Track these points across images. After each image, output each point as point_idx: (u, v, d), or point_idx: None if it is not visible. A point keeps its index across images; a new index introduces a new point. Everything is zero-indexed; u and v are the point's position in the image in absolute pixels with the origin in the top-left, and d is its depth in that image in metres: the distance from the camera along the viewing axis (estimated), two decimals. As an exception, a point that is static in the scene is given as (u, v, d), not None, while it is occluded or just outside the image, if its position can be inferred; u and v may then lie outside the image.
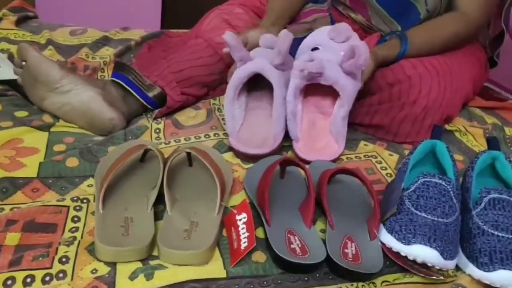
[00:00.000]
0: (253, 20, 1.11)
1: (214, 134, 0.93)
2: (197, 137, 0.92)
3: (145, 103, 0.97)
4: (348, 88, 0.85)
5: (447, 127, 1.03)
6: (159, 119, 0.97)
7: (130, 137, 0.89)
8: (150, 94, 0.97)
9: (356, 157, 0.91)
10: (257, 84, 0.91)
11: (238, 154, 0.87)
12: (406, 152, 0.94)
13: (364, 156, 0.92)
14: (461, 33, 1.05)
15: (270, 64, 0.86)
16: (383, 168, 0.89)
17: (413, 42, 1.00)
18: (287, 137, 0.89)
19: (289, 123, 0.87)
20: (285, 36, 0.85)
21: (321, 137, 0.89)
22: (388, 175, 0.87)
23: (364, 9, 1.13)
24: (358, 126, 1.00)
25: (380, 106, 0.97)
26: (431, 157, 0.82)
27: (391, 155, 0.93)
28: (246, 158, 0.86)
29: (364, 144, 0.96)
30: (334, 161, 0.87)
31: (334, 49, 0.91)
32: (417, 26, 1.04)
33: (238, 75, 0.86)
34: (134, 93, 0.95)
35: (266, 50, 0.93)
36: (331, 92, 0.88)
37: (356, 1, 1.13)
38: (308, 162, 0.86)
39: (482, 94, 1.20)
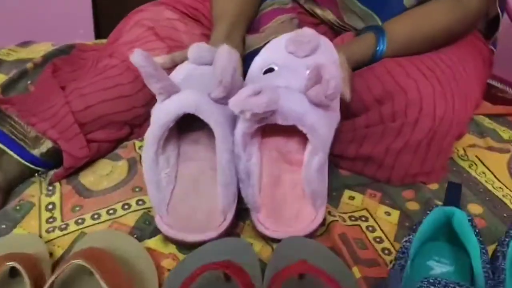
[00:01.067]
0: (191, 29, 0.82)
1: (138, 202, 0.65)
2: (111, 211, 0.63)
3: (30, 164, 0.67)
4: (320, 126, 0.57)
5: (456, 158, 0.78)
6: (54, 185, 0.67)
7: (3, 226, 0.60)
8: (36, 152, 0.67)
9: (338, 217, 0.64)
10: (191, 120, 0.63)
11: (171, 239, 0.59)
12: (409, 206, 0.68)
13: (350, 218, 0.65)
14: (456, 25, 0.79)
15: (208, 97, 0.58)
16: (378, 239, 0.62)
17: (393, 37, 0.74)
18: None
19: (242, 186, 0.60)
20: (227, 55, 0.56)
21: (291, 200, 0.62)
22: (386, 251, 0.60)
23: (332, 3, 0.85)
24: (339, 159, 0.74)
25: (369, 130, 0.71)
26: (446, 227, 0.56)
27: (389, 214, 0.66)
28: (184, 244, 0.59)
29: (350, 197, 0.69)
30: (311, 235, 0.60)
31: (295, 68, 0.62)
32: (397, 17, 0.78)
33: (159, 120, 0.57)
34: (11, 152, 0.66)
35: (199, 69, 0.65)
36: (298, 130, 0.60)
37: None
38: (277, 240, 0.59)
39: (485, 94, 0.94)
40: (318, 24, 0.90)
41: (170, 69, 0.70)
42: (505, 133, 0.85)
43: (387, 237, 0.62)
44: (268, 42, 0.80)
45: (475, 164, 0.77)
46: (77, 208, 0.64)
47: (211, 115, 0.57)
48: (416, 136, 0.68)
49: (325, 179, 0.61)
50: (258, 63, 0.66)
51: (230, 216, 0.59)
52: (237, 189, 0.60)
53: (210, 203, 0.60)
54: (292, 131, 0.59)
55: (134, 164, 0.71)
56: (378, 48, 0.74)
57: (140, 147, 0.76)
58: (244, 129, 0.56)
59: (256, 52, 0.79)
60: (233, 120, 0.59)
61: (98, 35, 1.57)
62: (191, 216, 0.59)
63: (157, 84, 0.57)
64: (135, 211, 0.63)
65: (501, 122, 0.89)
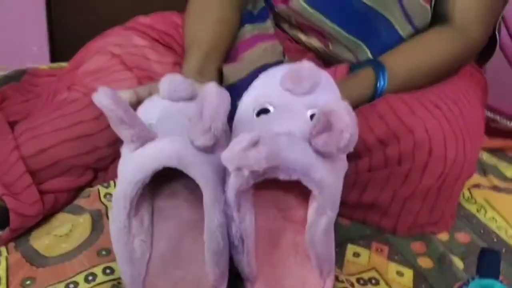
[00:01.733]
0: (163, 58, 0.71)
1: (105, 271, 0.53)
2: (72, 285, 0.51)
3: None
4: (329, 181, 0.47)
5: (463, 201, 0.70)
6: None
7: None
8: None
9: (345, 281, 0.55)
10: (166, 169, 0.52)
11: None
12: (421, 262, 0.60)
13: (358, 281, 0.56)
14: (458, 56, 0.73)
15: (192, 145, 0.46)
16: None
17: (394, 72, 0.67)
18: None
19: (235, 252, 0.49)
20: (217, 95, 0.46)
21: (293, 266, 0.51)
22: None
23: (317, 31, 0.77)
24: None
25: (373, 174, 0.63)
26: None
27: (401, 274, 0.58)
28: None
29: (354, 253, 0.60)
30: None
31: (294, 109, 0.52)
32: (395, 50, 0.71)
33: (132, 176, 0.45)
34: None
35: (175, 107, 0.54)
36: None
37: (304, 20, 0.76)
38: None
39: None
40: (304, 51, 0.82)
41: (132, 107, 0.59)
42: (507, 171, 0.79)
43: (402, 305, 0.53)
44: (250, 73, 0.71)
45: (484, 208, 0.70)
46: (28, 282, 0.51)
47: (197, 169, 0.46)
48: (425, 182, 0.60)
49: (332, 241, 0.51)
50: (249, 102, 0.56)
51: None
52: (229, 254, 0.50)
53: (196, 273, 0.49)
54: (292, 182, 0.50)
55: (99, 219, 0.60)
56: (378, 84, 0.66)
57: (106, 195, 0.64)
58: (238, 187, 0.46)
59: (236, 85, 0.70)
60: (222, 171, 0.49)
61: (54, 54, 1.43)
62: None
63: (128, 131, 0.46)
64: (101, 283, 0.51)
65: (499, 157, 0.84)
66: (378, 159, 0.62)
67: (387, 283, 0.56)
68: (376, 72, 0.67)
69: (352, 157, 0.64)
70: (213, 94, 0.45)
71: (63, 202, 0.62)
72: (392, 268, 0.58)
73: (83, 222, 0.59)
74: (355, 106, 0.65)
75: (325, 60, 0.80)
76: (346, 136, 0.43)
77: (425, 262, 0.60)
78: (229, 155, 0.42)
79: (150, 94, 0.59)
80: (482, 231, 0.66)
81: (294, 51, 0.81)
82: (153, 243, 0.50)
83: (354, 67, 0.72)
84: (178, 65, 0.72)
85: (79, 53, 0.73)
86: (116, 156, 0.59)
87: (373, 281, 0.56)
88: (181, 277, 0.49)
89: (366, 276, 0.57)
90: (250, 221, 0.49)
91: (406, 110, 0.63)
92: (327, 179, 0.47)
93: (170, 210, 0.52)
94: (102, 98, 0.44)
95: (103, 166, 0.66)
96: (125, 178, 0.46)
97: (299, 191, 0.52)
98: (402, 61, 0.68)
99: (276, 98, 0.54)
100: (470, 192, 0.72)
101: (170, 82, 0.55)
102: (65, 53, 0.87)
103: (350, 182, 0.64)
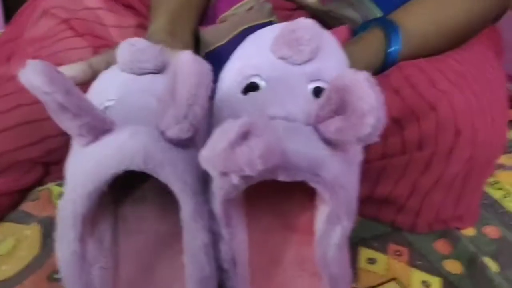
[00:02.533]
0: (123, 20, 0.57)
1: (58, 300, 0.41)
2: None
3: None
4: (345, 180, 0.35)
5: (487, 187, 0.60)
6: None
7: None
8: None
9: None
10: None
11: None
12: (449, 267, 0.50)
13: (377, 294, 0.46)
14: (481, 15, 0.60)
15: (162, 137, 0.34)
16: (427, 331, 0.43)
17: (408, 34, 0.54)
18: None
19: (225, 278, 0.38)
20: (195, 68, 0.32)
21: (299, 286, 0.41)
22: None
23: None
24: None
25: (387, 162, 0.52)
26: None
27: (427, 285, 0.48)
28: None
29: (368, 259, 0.50)
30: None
31: (291, 83, 0.39)
32: (407, 6, 0.58)
33: (83, 185, 0.32)
34: None
35: (138, 83, 0.41)
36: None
37: None
38: None
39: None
40: (294, 9, 0.68)
41: (86, 84, 0.46)
42: (529, 146, 0.70)
43: (435, 327, 0.43)
44: (234, 37, 0.58)
45: (511, 194, 0.60)
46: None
47: (170, 172, 0.34)
48: (451, 170, 0.49)
49: (345, 256, 0.40)
50: (232, 76, 0.42)
51: None
52: (218, 280, 0.38)
53: None
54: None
55: (51, 229, 0.47)
56: (391, 48, 0.54)
57: (60, 195, 0.52)
58: (226, 196, 0.34)
59: (216, 53, 0.58)
60: (204, 172, 0.36)
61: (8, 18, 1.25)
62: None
63: (73, 121, 0.32)
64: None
65: (517, 130, 0.74)
66: (394, 143, 0.51)
67: (411, 297, 0.46)
68: (387, 33, 0.54)
69: (362, 141, 0.53)
70: (190, 67, 0.32)
71: (6, 208, 0.49)
72: (416, 277, 0.48)
73: (30, 235, 0.46)
74: None
75: (320, 20, 0.67)
76: (370, 121, 0.31)
77: (453, 267, 0.50)
78: (210, 155, 0.29)
79: (108, 65, 0.46)
80: (512, 223, 0.56)
81: (281, 8, 0.67)
82: (117, 266, 0.38)
83: (358, 29, 0.60)
84: (141, 28, 0.58)
85: (18, 15, 0.58)
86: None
87: (394, 294, 0.46)
88: None
89: (385, 286, 0.46)
90: (242, 236, 0.38)
91: (426, 82, 0.51)
92: (342, 178, 0.35)
93: (138, 221, 0.40)
94: (31, 75, 0.31)
95: (55, 159, 0.54)
96: (73, 187, 0.34)
97: (301, 189, 0.40)
98: (417, 21, 0.55)
99: (268, 69, 0.41)
100: (492, 175, 0.62)
101: (131, 49, 0.41)
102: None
103: (360, 172, 0.53)
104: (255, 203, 0.40)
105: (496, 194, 0.60)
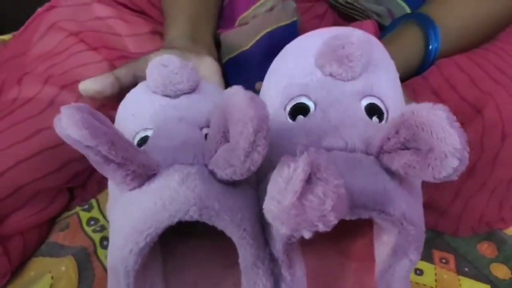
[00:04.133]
0: (137, 28, 0.54)
1: None
2: None
3: None
4: (412, 216, 0.32)
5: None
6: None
7: None
8: None
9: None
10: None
11: None
12: (497, 272, 0.49)
13: (430, 309, 0.45)
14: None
15: (212, 177, 0.31)
16: None
17: (445, 30, 0.51)
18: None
19: None
20: (254, 106, 0.28)
21: None
22: None
23: None
24: None
25: None
26: None
27: (479, 294, 0.47)
28: None
29: (415, 270, 0.48)
30: None
31: (344, 103, 0.36)
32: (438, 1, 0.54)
33: (130, 243, 0.30)
34: None
35: (174, 107, 0.38)
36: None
37: None
38: None
39: None
40: (316, 0, 0.65)
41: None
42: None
43: None
44: (258, 41, 0.55)
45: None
46: None
47: (228, 217, 0.31)
48: (496, 174, 0.48)
49: (410, 284, 0.38)
50: (275, 95, 0.39)
51: None
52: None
53: None
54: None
55: (85, 262, 0.45)
56: (431, 46, 0.51)
57: (89, 222, 0.50)
58: (288, 241, 0.32)
59: (241, 59, 0.54)
60: (257, 206, 0.34)
61: None
62: None
63: (118, 172, 0.30)
64: None
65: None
66: None
67: (464, 310, 0.45)
68: (424, 29, 0.51)
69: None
70: (246, 108, 0.29)
71: (35, 242, 0.47)
72: (466, 286, 0.47)
73: (66, 270, 0.44)
74: (402, 78, 0.50)
75: (342, 15, 0.64)
76: (453, 164, 0.29)
77: (501, 272, 0.49)
78: (277, 212, 0.26)
79: (135, 78, 0.43)
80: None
81: (302, 0, 0.64)
82: None
83: (390, 26, 0.56)
84: (156, 34, 0.55)
85: (24, 28, 0.54)
86: (94, 171, 0.44)
87: (448, 308, 0.45)
88: None
89: (436, 301, 0.45)
90: (301, 272, 0.36)
91: (467, 81, 0.48)
92: (411, 213, 0.33)
93: (187, 256, 0.38)
94: (70, 128, 0.27)
95: (80, 183, 0.51)
96: (121, 243, 0.31)
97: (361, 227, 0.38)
98: (455, 15, 0.52)
99: (316, 88, 0.38)
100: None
101: (164, 70, 0.38)
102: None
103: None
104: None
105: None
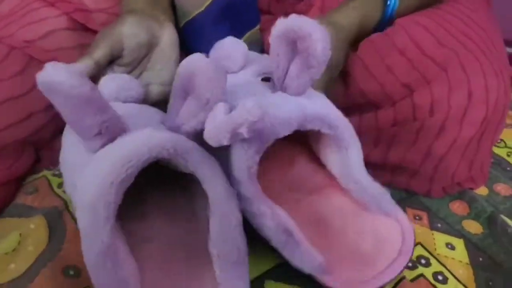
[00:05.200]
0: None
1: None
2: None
3: None
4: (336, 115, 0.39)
5: (494, 148, 0.60)
6: None
7: None
8: None
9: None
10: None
11: None
12: (469, 228, 0.49)
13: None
14: None
15: (183, 131, 0.35)
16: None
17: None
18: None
19: (287, 250, 0.36)
20: (209, 68, 0.33)
21: (353, 228, 0.39)
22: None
23: None
24: None
25: (399, 129, 0.50)
26: None
27: (452, 247, 0.47)
28: None
29: (390, 226, 0.49)
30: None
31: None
32: None
33: (111, 175, 0.30)
34: None
35: (132, 107, 0.41)
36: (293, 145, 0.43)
37: None
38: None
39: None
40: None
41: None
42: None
43: (461, 283, 0.43)
44: (212, 3, 0.55)
45: (516, 150, 0.60)
46: (-31, 331, 0.36)
47: (200, 156, 0.34)
48: (465, 134, 0.48)
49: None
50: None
51: None
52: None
53: None
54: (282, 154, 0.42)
55: (57, 220, 0.44)
56: (388, 2, 0.51)
57: (60, 185, 0.48)
58: (251, 159, 0.34)
59: (197, 21, 0.54)
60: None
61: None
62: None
63: (96, 117, 0.31)
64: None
65: None
66: (404, 108, 0.49)
67: (439, 261, 0.45)
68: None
69: (371, 108, 0.52)
70: (210, 73, 0.33)
71: (2, 202, 0.45)
72: (439, 240, 0.48)
73: (36, 228, 0.42)
74: (362, 35, 0.51)
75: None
76: (320, 46, 0.34)
77: (473, 227, 0.49)
78: (215, 125, 0.32)
79: (111, 57, 0.43)
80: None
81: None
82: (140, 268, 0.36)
83: None
84: None
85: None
86: (59, 127, 0.44)
87: (423, 260, 0.45)
88: None
89: (413, 255, 0.46)
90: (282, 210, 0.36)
91: (432, 40, 0.49)
92: (334, 116, 0.39)
93: (145, 231, 0.38)
94: (54, 74, 0.29)
95: (45, 140, 0.50)
96: (99, 181, 0.31)
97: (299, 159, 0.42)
98: None
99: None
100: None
101: (112, 82, 0.42)
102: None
103: (371, 139, 0.52)
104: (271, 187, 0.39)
105: (501, 152, 0.60)
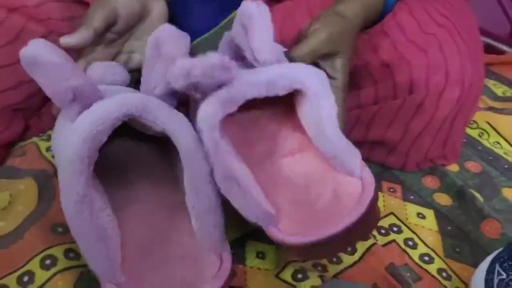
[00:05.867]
0: None
1: (67, 254, 0.40)
2: (26, 278, 0.38)
3: None
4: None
5: (469, 131, 0.63)
6: None
7: None
8: None
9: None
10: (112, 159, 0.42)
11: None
12: (439, 200, 0.52)
13: (378, 230, 0.47)
14: None
15: (156, 94, 0.38)
16: (426, 258, 0.46)
17: None
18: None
19: (242, 201, 0.36)
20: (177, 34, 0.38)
21: (316, 186, 0.39)
22: (443, 274, 0.44)
23: None
24: None
25: (379, 107, 0.53)
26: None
27: (422, 216, 0.50)
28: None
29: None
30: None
31: None
32: None
33: (83, 133, 0.32)
34: None
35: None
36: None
37: None
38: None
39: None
40: None
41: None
42: (497, 89, 0.73)
43: (435, 253, 0.46)
44: None
45: (487, 132, 0.63)
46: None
47: (168, 112, 0.36)
48: (441, 112, 0.51)
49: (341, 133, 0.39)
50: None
51: (227, 256, 0.38)
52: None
53: (189, 245, 0.37)
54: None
55: (46, 182, 0.45)
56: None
57: (48, 149, 0.50)
58: (215, 112, 0.35)
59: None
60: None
61: None
62: (166, 275, 0.36)
63: (69, 81, 0.33)
64: (65, 269, 0.38)
65: (486, 74, 0.77)
66: (386, 88, 0.52)
67: (410, 229, 0.48)
68: None
69: (354, 87, 0.54)
70: (173, 37, 0.37)
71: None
72: (411, 210, 0.50)
73: (25, 189, 0.44)
74: (365, 27, 0.51)
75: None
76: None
77: (443, 199, 0.52)
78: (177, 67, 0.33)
79: (107, 25, 0.45)
80: (490, 157, 0.60)
81: None
82: (121, 226, 0.37)
83: None
84: None
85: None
86: (47, 97, 0.45)
87: (395, 228, 0.48)
88: (171, 254, 0.37)
89: (385, 223, 0.48)
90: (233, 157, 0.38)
91: (415, 25, 0.52)
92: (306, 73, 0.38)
93: (128, 198, 0.40)
94: (33, 47, 0.32)
95: (34, 109, 0.51)
96: (72, 140, 0.33)
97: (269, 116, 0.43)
98: None
99: None
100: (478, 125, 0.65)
101: (101, 69, 0.44)
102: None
103: (353, 117, 0.54)
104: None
105: (473, 133, 0.63)
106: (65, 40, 0.42)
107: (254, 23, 0.37)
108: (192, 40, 0.42)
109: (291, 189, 0.39)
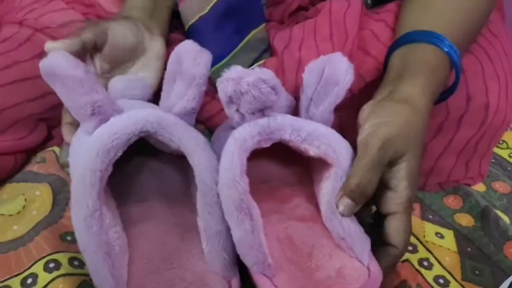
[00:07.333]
0: None
1: (72, 262, 0.40)
2: (30, 280, 0.38)
3: None
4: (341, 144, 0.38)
5: (495, 149, 0.60)
6: None
7: None
8: None
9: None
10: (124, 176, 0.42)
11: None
12: (460, 220, 0.50)
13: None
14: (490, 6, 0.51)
15: (175, 112, 0.37)
16: (441, 281, 0.43)
17: (456, 44, 0.44)
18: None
19: (243, 249, 0.35)
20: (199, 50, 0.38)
21: (320, 258, 0.37)
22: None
23: None
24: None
25: None
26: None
27: (441, 236, 0.48)
28: None
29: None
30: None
31: None
32: (433, 8, 0.47)
33: (97, 147, 0.33)
34: None
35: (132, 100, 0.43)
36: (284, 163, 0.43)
37: None
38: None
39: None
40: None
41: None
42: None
43: (452, 275, 0.43)
44: (216, 4, 0.55)
45: (516, 150, 0.60)
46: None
47: (184, 129, 0.36)
48: (462, 135, 0.49)
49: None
50: None
51: (236, 282, 0.37)
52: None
53: (197, 268, 0.37)
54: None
55: (61, 189, 0.46)
56: (456, 66, 0.44)
57: (63, 160, 0.51)
58: (255, 135, 0.35)
59: (201, 24, 0.54)
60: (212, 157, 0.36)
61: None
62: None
63: (89, 96, 0.34)
64: (67, 275, 0.39)
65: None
66: None
67: (427, 248, 0.46)
68: (440, 47, 0.43)
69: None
70: (194, 53, 0.37)
71: (10, 169, 0.48)
72: (429, 229, 0.48)
73: (41, 195, 0.45)
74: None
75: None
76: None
77: (464, 220, 0.50)
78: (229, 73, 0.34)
79: (94, 44, 0.44)
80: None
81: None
82: (130, 243, 0.38)
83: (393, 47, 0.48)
84: None
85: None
86: None
87: (410, 247, 0.46)
88: (178, 277, 0.36)
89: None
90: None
91: None
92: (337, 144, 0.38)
93: (141, 215, 0.40)
94: (55, 58, 0.34)
95: (57, 119, 0.53)
96: (86, 152, 0.34)
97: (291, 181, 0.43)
98: (453, 24, 0.46)
99: None
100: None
101: (120, 83, 0.44)
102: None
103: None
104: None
105: (503, 154, 0.60)
106: (50, 45, 0.41)
107: (344, 86, 0.37)
108: (212, 65, 0.41)
109: (293, 251, 0.38)
